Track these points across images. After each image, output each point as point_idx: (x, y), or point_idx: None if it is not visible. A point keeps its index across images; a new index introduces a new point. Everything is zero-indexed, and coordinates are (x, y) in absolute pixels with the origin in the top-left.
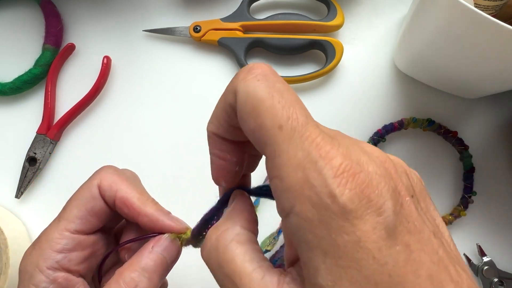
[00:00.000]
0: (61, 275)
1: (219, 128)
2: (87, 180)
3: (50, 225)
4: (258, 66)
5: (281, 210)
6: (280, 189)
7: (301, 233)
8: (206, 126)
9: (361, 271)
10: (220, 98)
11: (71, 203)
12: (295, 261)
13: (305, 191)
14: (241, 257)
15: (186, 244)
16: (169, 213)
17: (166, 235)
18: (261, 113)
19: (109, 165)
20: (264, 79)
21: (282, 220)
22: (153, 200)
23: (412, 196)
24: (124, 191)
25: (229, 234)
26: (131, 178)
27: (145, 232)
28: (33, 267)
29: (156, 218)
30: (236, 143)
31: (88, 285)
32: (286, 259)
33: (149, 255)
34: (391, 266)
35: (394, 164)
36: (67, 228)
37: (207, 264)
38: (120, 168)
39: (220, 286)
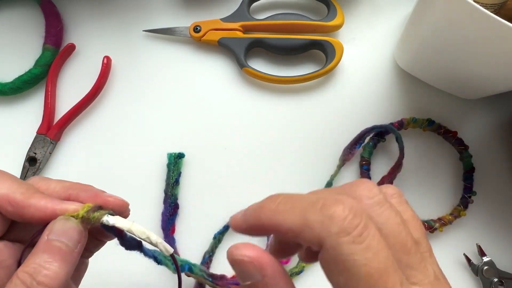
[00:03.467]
0: None
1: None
2: None
3: None
4: (354, 223)
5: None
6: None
7: None
8: (205, 125)
9: None
10: (281, 220)
11: None
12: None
13: None
14: None
15: (88, 221)
16: (60, 200)
17: (58, 218)
18: (352, 276)
19: None
20: (366, 248)
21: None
22: (42, 193)
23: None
24: (6, 188)
25: None
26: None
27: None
28: None
29: (44, 205)
30: None
31: None
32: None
33: (45, 245)
34: None
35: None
36: None
37: None
38: (119, 168)
39: None
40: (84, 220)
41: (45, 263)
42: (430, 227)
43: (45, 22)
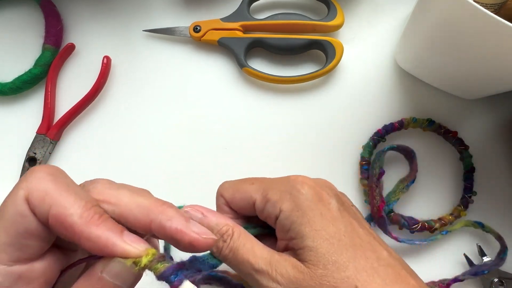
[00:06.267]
0: None
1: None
2: (11, 190)
3: None
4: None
5: (274, 217)
6: (271, 206)
7: (288, 221)
8: (206, 126)
9: (326, 230)
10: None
11: None
12: (283, 250)
13: (284, 198)
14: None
15: (147, 268)
16: (122, 230)
17: (116, 259)
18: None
19: (43, 166)
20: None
21: (276, 225)
22: (102, 215)
23: (337, 201)
24: (61, 206)
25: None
26: (73, 183)
27: None
28: None
29: (104, 243)
30: None
31: None
32: (278, 250)
33: (98, 282)
34: (329, 218)
35: (322, 187)
36: None
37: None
38: (120, 168)
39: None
40: (145, 268)
41: None
42: (430, 227)
43: (45, 22)
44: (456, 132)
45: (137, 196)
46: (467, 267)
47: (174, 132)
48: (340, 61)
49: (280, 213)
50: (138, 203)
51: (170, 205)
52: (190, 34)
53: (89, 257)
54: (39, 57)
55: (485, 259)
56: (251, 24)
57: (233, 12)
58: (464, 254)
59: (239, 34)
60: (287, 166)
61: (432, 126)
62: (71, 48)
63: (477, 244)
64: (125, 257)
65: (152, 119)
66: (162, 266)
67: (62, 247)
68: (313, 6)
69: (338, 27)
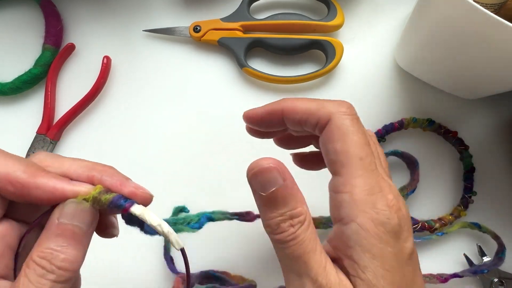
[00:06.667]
0: None
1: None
2: None
3: None
4: (354, 111)
5: (342, 218)
6: (347, 201)
7: (357, 238)
8: (205, 125)
9: (393, 274)
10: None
11: None
12: (335, 260)
13: (368, 209)
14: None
15: (99, 203)
16: (67, 179)
17: (68, 200)
18: (348, 141)
19: None
20: (358, 127)
21: (337, 225)
22: (44, 170)
23: (411, 243)
24: (4, 165)
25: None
26: (11, 153)
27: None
28: None
29: (54, 187)
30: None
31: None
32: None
33: (57, 228)
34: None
35: (405, 221)
36: None
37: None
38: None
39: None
40: (95, 202)
41: (61, 247)
42: (430, 227)
43: (45, 22)
44: (456, 132)
45: (79, 160)
46: (467, 267)
47: (174, 132)
48: (340, 61)
49: (351, 223)
50: (80, 164)
51: (112, 167)
52: (190, 34)
53: (43, 214)
54: (39, 57)
55: (485, 259)
56: (251, 24)
57: (233, 12)
58: (464, 254)
59: (239, 34)
60: (287, 166)
61: (432, 126)
62: (71, 48)
63: (477, 244)
64: (76, 196)
65: (152, 119)
66: (110, 196)
67: (19, 220)
68: (313, 6)
69: (338, 27)
